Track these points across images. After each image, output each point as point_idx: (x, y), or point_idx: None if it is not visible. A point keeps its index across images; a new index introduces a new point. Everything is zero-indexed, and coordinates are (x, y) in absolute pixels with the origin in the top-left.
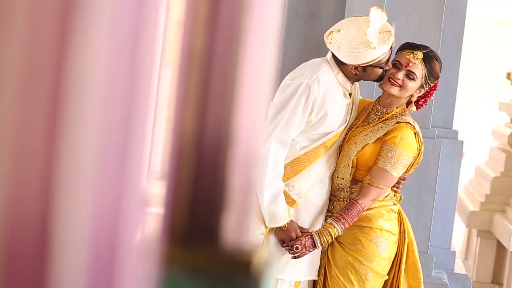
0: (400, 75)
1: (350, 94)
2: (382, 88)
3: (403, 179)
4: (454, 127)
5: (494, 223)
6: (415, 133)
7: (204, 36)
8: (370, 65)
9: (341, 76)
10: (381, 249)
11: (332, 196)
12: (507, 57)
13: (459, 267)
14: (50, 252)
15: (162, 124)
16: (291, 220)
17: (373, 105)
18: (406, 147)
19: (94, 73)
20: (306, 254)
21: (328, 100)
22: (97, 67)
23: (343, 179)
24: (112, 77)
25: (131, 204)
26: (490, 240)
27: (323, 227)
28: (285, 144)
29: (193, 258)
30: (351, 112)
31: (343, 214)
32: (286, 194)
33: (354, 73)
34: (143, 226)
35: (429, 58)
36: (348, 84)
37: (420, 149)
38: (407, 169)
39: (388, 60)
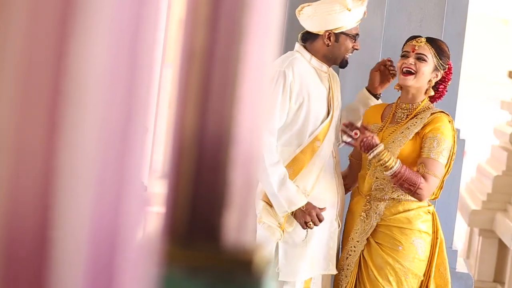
0: (411, 60)
1: (330, 87)
2: (399, 87)
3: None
4: (456, 126)
5: (496, 221)
6: (450, 121)
7: (205, 35)
8: (342, 33)
9: (314, 60)
10: (420, 251)
11: (368, 196)
12: (509, 55)
13: (461, 266)
14: (50, 252)
15: (163, 123)
16: (307, 202)
17: (396, 105)
18: (447, 134)
19: (93, 72)
20: (356, 145)
21: (304, 86)
22: (96, 66)
23: (384, 179)
24: (112, 76)
25: (131, 203)
26: (492, 239)
27: (388, 151)
28: (273, 132)
29: (194, 257)
30: (332, 102)
31: (407, 169)
32: None
33: (326, 44)
34: (144, 225)
35: (433, 39)
36: (324, 66)
37: (454, 138)
38: (448, 160)
39: (357, 35)
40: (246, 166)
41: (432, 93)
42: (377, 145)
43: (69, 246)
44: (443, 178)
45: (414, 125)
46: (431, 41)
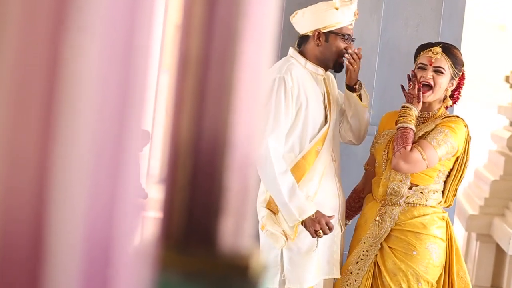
0: (429, 73)
1: (325, 91)
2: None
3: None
4: None
5: (493, 226)
6: (465, 126)
7: (201, 40)
8: (332, 33)
9: (310, 64)
10: (434, 256)
11: (383, 201)
12: (506, 60)
13: None
14: (44, 257)
15: (160, 128)
16: (317, 210)
17: None
18: (455, 133)
19: (88, 76)
20: (408, 94)
21: (302, 91)
22: (90, 70)
23: (400, 181)
24: (106, 79)
25: (125, 208)
26: (490, 243)
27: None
28: (280, 140)
29: (190, 262)
30: (329, 106)
31: (410, 133)
32: None
33: (317, 44)
34: (140, 230)
35: (448, 48)
36: (319, 69)
37: (467, 144)
38: (455, 166)
39: (350, 36)
40: (242, 171)
41: (450, 102)
42: (414, 107)
43: (63, 250)
44: (456, 186)
45: (426, 127)
46: (447, 51)
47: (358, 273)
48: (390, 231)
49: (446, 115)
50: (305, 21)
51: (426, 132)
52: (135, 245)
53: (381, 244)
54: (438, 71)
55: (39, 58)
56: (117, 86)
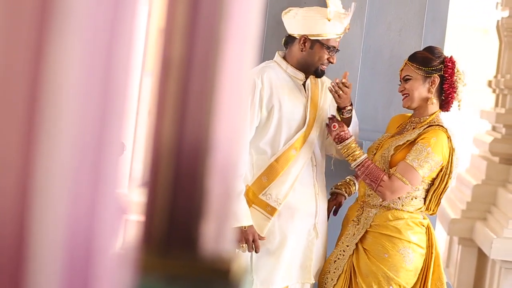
0: (402, 85)
1: (305, 89)
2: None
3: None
4: None
5: (475, 230)
6: (448, 137)
7: (183, 43)
8: (318, 42)
9: (290, 69)
10: (407, 260)
11: (362, 202)
12: (488, 64)
13: None
14: (26, 259)
15: (142, 131)
16: (251, 225)
17: (409, 118)
18: (437, 148)
19: (69, 79)
20: (334, 133)
21: (275, 93)
22: (72, 74)
23: None
24: (87, 83)
25: (106, 211)
26: (471, 247)
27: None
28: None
29: (171, 266)
30: (310, 111)
31: (370, 165)
32: (264, 204)
33: (301, 49)
34: (122, 233)
35: (413, 54)
36: (299, 74)
37: (451, 156)
38: (438, 176)
39: (335, 49)
40: (224, 175)
41: (434, 100)
42: (349, 137)
43: (45, 252)
44: (440, 195)
45: (411, 134)
46: (411, 58)
47: (334, 272)
48: (366, 232)
49: (433, 123)
50: (295, 23)
51: (408, 141)
52: (117, 248)
53: (357, 244)
54: (405, 79)
55: (21, 64)
56: (98, 90)
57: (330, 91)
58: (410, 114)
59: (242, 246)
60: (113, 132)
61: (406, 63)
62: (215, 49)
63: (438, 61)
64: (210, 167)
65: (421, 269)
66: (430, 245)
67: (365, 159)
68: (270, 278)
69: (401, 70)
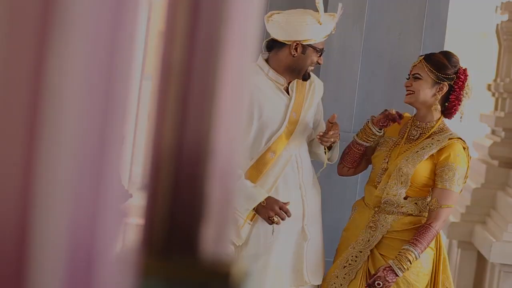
0: (410, 81)
1: (288, 92)
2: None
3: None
4: None
5: (474, 234)
6: (464, 148)
7: (183, 47)
8: (310, 46)
9: (272, 73)
10: (425, 263)
11: (377, 208)
12: (487, 68)
13: None
14: (27, 263)
15: (142, 134)
16: (268, 196)
17: (412, 121)
18: (462, 162)
19: (70, 83)
20: (390, 286)
21: (255, 98)
22: (74, 77)
23: (394, 195)
24: (89, 87)
25: (108, 215)
26: (471, 251)
27: (399, 254)
28: None
29: (171, 269)
30: (290, 113)
31: (418, 239)
32: None
33: (292, 55)
34: (122, 237)
35: (430, 55)
36: (280, 79)
37: (468, 163)
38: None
39: (322, 50)
40: (224, 179)
41: (438, 107)
42: (390, 267)
43: (46, 256)
44: None
45: (430, 146)
46: (427, 57)
47: (344, 278)
48: (382, 238)
49: (449, 134)
50: (285, 30)
51: (431, 155)
52: (117, 252)
53: (372, 250)
54: (415, 77)
55: (24, 68)
56: (100, 94)
57: (321, 143)
58: (409, 115)
59: (274, 220)
60: (115, 136)
61: (420, 60)
62: (215, 53)
63: (453, 71)
64: (210, 170)
65: (431, 272)
66: (438, 247)
67: (416, 252)
68: (259, 282)
69: (414, 66)
